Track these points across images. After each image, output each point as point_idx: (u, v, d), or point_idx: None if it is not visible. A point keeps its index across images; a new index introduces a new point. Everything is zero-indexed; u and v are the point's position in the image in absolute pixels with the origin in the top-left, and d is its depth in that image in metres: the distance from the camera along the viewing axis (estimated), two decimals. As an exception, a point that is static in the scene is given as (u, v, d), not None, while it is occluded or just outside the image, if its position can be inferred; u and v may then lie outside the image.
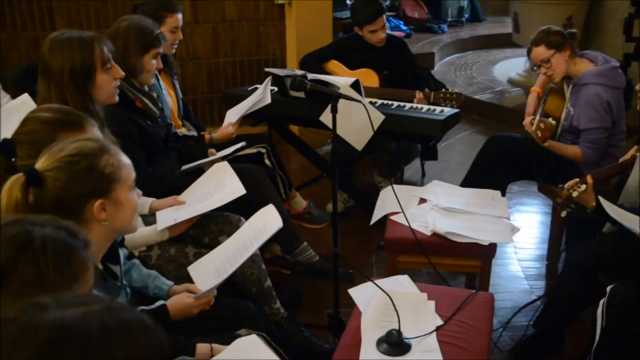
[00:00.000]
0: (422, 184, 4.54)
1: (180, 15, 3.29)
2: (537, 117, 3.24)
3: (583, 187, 2.59)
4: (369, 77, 4.13)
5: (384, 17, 4.06)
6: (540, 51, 3.26)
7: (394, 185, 3.03)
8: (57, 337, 0.85)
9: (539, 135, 3.09)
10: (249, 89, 4.13)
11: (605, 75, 3.21)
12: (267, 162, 3.41)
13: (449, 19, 9.18)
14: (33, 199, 1.46)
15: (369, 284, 2.32)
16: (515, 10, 6.64)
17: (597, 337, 2.27)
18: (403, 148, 4.16)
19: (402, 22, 8.56)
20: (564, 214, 2.66)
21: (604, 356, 2.23)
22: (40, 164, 1.49)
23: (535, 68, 3.41)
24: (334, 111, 2.58)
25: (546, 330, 2.78)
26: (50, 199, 1.47)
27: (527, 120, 3.29)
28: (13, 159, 1.75)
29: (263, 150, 3.41)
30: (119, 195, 1.58)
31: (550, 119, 3.15)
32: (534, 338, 2.82)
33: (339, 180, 4.23)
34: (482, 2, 9.93)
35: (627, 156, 2.94)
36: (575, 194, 2.58)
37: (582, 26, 6.40)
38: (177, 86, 3.46)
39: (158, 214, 2.50)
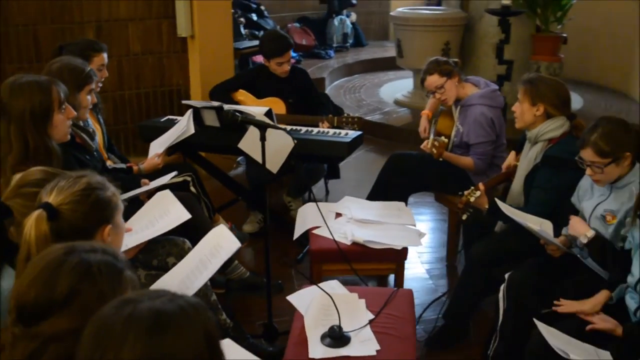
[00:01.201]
0: (327, 201, 4.90)
1: (105, 54, 3.49)
2: (431, 136, 3.67)
3: (477, 193, 3.03)
4: (276, 105, 4.45)
5: (290, 51, 4.41)
6: (434, 79, 3.72)
7: (313, 203, 3.37)
8: (158, 320, 1.10)
9: (434, 152, 3.53)
10: (162, 119, 4.35)
11: (488, 97, 3.72)
12: (192, 189, 3.64)
13: (334, 45, 9.71)
14: (51, 230, 1.65)
15: (303, 290, 2.65)
16: (399, 37, 7.21)
17: (500, 317, 2.71)
18: (311, 169, 4.50)
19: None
20: (464, 217, 3.09)
21: (508, 331, 2.67)
22: (53, 199, 1.70)
23: (429, 94, 3.86)
24: (263, 139, 2.89)
25: (454, 320, 3.20)
26: (67, 228, 1.67)
27: (424, 143, 3.70)
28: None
29: (189, 179, 3.64)
30: (118, 220, 1.81)
31: (442, 137, 3.61)
32: (444, 328, 3.23)
33: (253, 202, 4.57)
34: (364, 28, 10.55)
35: (509, 162, 3.45)
36: (472, 199, 3.02)
37: (457, 50, 7.08)
38: (102, 121, 3.64)
39: None
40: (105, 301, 1.31)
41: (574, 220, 2.70)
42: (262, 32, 7.99)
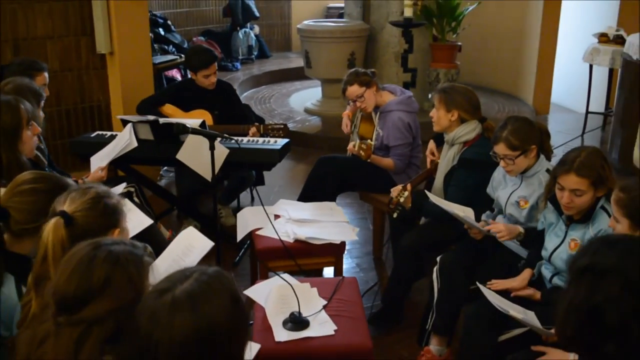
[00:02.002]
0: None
1: (46, 74, 3.59)
2: (357, 141, 4.00)
3: (406, 193, 3.39)
4: (204, 117, 4.64)
5: (215, 64, 4.63)
6: (354, 89, 4.06)
7: (251, 207, 3.63)
8: (193, 299, 1.34)
9: (362, 154, 3.86)
10: (92, 135, 4.47)
11: (405, 103, 4.10)
12: (135, 199, 3.80)
13: (240, 57, 9.95)
14: (67, 235, 1.83)
15: (257, 285, 2.93)
16: (306, 48, 7.55)
17: (435, 295, 3.06)
18: (241, 176, 4.73)
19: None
20: (395, 215, 3.43)
21: (443, 307, 3.02)
22: (67, 207, 1.87)
23: (350, 102, 4.20)
24: (212, 148, 3.12)
25: (391, 303, 3.54)
26: (81, 232, 1.84)
27: (350, 145, 4.03)
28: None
29: (132, 189, 3.79)
30: (124, 224, 2.00)
31: (368, 141, 3.95)
32: (382, 312, 3.56)
33: (186, 211, 4.75)
34: (267, 40, 10.85)
35: (431, 149, 3.85)
36: (402, 199, 3.37)
37: (362, 60, 7.51)
38: (42, 138, 3.72)
39: None
40: (134, 283, 1.54)
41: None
42: (171, 47, 8.15)
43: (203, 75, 4.58)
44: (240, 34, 10.03)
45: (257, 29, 10.48)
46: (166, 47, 8.04)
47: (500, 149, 2.97)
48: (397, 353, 3.35)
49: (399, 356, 3.30)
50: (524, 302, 2.70)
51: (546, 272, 2.78)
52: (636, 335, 1.41)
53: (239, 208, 4.97)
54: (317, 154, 6.29)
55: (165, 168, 5.95)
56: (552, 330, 2.41)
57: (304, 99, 8.43)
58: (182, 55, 7.53)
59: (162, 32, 8.35)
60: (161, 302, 1.34)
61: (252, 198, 5.48)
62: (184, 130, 3.29)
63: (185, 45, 8.63)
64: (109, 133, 4.50)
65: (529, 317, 2.49)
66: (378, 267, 4.34)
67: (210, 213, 4.95)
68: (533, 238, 2.91)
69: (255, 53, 10.37)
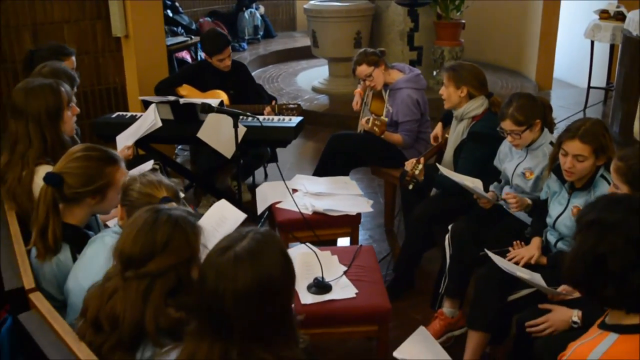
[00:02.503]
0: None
1: (74, 58, 3.77)
2: (371, 117, 4.18)
3: (420, 166, 3.57)
4: (220, 97, 4.84)
5: (229, 47, 4.80)
6: (363, 69, 4.25)
7: (270, 182, 3.84)
8: (252, 254, 1.53)
9: (376, 130, 4.05)
10: (113, 116, 4.66)
11: (413, 81, 4.28)
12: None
13: (246, 37, 10.09)
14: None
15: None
16: (313, 28, 7.69)
17: (447, 261, 3.27)
18: (257, 153, 4.92)
19: (205, 43, 9.28)
20: (411, 186, 3.62)
21: (454, 272, 3.23)
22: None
23: (361, 81, 4.38)
24: (236, 126, 3.31)
25: (403, 272, 3.75)
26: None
27: (362, 121, 4.23)
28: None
29: (157, 167, 3.98)
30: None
31: (381, 117, 4.14)
32: (395, 280, 3.77)
33: (205, 188, 4.95)
34: (272, 20, 10.98)
35: (436, 132, 4.05)
36: (417, 172, 3.56)
37: (368, 38, 7.66)
38: None
39: None
40: (189, 243, 1.75)
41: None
42: (180, 29, 8.30)
43: (218, 59, 4.75)
44: (246, 14, 10.16)
45: (262, 9, 10.61)
46: (175, 28, 8.18)
47: (507, 125, 3.15)
48: (411, 317, 3.56)
49: (413, 320, 3.51)
50: (530, 265, 2.90)
51: (551, 238, 2.98)
52: (633, 284, 1.61)
53: (254, 184, 5.17)
54: (326, 131, 6.50)
55: (180, 147, 6.14)
56: (558, 289, 2.62)
57: (311, 77, 8.59)
58: (192, 37, 7.70)
59: (170, 14, 8.48)
60: (225, 258, 1.54)
61: (266, 175, 5.68)
62: (210, 109, 3.47)
63: (194, 27, 8.78)
64: (129, 114, 4.69)
65: (536, 278, 2.69)
66: (390, 239, 4.55)
67: (227, 189, 5.18)
68: (539, 209, 3.11)
69: (261, 33, 10.51)
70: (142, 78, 5.67)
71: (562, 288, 2.63)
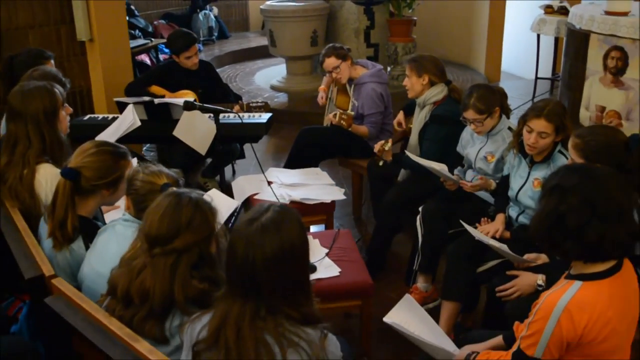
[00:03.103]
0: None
1: (53, 61, 3.89)
2: (338, 112, 4.42)
3: (389, 143, 3.83)
4: (189, 96, 5.00)
5: (196, 45, 4.97)
6: (331, 61, 4.49)
7: (246, 176, 4.04)
8: (276, 224, 1.74)
9: (344, 124, 4.30)
10: (85, 118, 4.78)
11: (377, 75, 4.54)
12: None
13: (201, 39, 10.21)
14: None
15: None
16: (270, 28, 7.89)
17: (420, 239, 3.53)
18: (227, 150, 5.10)
19: (162, 45, 9.37)
20: (381, 163, 3.87)
21: (427, 249, 3.50)
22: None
23: (327, 74, 4.62)
24: (218, 122, 3.50)
25: (375, 254, 4.00)
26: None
27: (330, 115, 4.46)
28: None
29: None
30: None
31: (348, 111, 4.38)
32: (368, 261, 3.98)
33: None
34: (225, 21, 11.12)
35: (399, 119, 4.33)
36: (387, 147, 3.80)
37: (324, 37, 7.89)
38: None
39: None
40: (209, 222, 1.96)
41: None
42: (137, 31, 8.39)
43: (185, 57, 4.91)
44: (200, 15, 10.28)
45: (215, 10, 10.74)
46: (132, 31, 8.26)
47: (469, 114, 3.43)
48: (387, 295, 3.80)
49: (388, 297, 3.75)
50: (496, 240, 3.18)
51: (512, 213, 3.27)
52: (588, 238, 1.89)
53: (222, 181, 5.34)
54: (287, 128, 6.71)
55: (147, 147, 6.26)
56: (524, 257, 2.90)
57: (268, 76, 8.78)
58: (152, 40, 7.81)
59: (127, 17, 8.54)
60: (252, 228, 1.75)
61: (234, 171, 5.86)
62: (192, 107, 3.65)
63: (150, 29, 8.87)
64: (100, 116, 4.82)
65: (504, 247, 2.97)
66: (359, 226, 4.80)
67: (198, 186, 5.34)
68: (501, 186, 3.40)
69: (216, 34, 10.64)
70: (108, 81, 5.78)
71: (527, 256, 2.91)
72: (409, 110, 4.32)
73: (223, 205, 2.96)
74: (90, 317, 1.97)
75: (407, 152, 3.78)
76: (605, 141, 2.65)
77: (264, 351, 1.69)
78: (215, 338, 1.72)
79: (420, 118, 4.00)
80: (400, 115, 4.39)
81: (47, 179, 2.76)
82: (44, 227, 2.52)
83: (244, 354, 1.68)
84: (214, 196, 3.11)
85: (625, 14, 5.20)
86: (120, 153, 2.51)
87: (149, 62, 8.08)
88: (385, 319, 2.57)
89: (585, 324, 1.89)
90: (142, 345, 1.80)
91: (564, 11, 6.76)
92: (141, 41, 7.48)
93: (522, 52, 8.36)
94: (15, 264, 2.72)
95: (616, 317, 1.91)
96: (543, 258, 2.91)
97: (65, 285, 2.13)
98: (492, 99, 3.44)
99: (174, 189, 2.10)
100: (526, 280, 2.79)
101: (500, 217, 3.30)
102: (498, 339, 2.40)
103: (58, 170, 2.81)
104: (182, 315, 1.91)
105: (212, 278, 1.96)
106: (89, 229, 2.44)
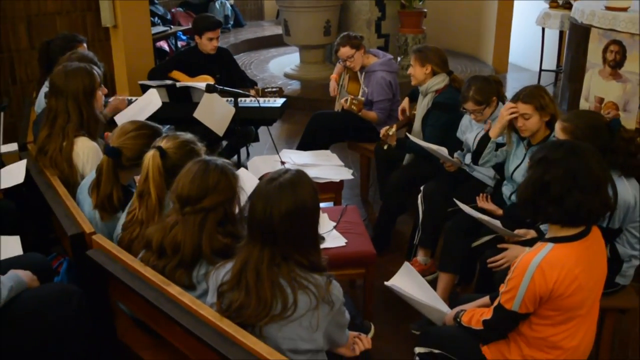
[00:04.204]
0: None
1: (85, 45, 4.20)
2: (349, 97, 4.71)
3: (394, 128, 4.12)
4: (208, 81, 5.28)
5: (220, 29, 5.26)
6: (346, 50, 4.76)
7: (261, 156, 4.32)
8: (292, 184, 2.03)
9: (355, 108, 4.59)
10: (110, 99, 5.08)
11: (387, 64, 4.82)
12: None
13: (218, 27, 10.47)
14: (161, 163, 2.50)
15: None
16: (285, 17, 8.17)
17: (420, 216, 3.82)
18: (244, 132, 5.38)
19: (180, 32, 9.67)
20: (385, 147, 4.16)
21: (427, 225, 3.79)
22: (164, 144, 2.53)
23: (340, 62, 4.90)
24: (237, 105, 3.79)
25: (382, 231, 4.29)
26: (169, 164, 2.51)
27: (342, 101, 4.75)
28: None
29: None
30: None
31: (359, 97, 4.67)
32: (374, 238, 4.28)
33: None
34: (241, 10, 11.39)
35: (403, 106, 4.59)
36: (391, 132, 4.09)
37: (337, 26, 8.16)
38: None
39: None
40: (232, 185, 2.25)
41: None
42: (156, 19, 8.68)
43: (208, 38, 5.18)
44: (217, 4, 10.56)
45: (231, -1, 11.02)
46: (152, 19, 8.54)
47: (469, 106, 3.71)
48: (389, 269, 4.05)
49: (390, 271, 4.02)
50: (490, 216, 3.46)
51: (506, 191, 3.55)
52: (568, 205, 2.18)
53: (238, 162, 5.64)
54: (299, 114, 7.00)
55: (167, 127, 6.56)
56: (515, 232, 3.17)
57: (282, 64, 9.06)
58: (171, 27, 8.11)
59: (146, 4, 8.85)
60: (272, 186, 2.04)
61: (248, 154, 6.14)
62: (214, 89, 3.94)
63: (169, 17, 9.16)
64: (121, 97, 5.12)
65: (496, 223, 3.24)
66: (366, 206, 5.09)
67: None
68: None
69: (231, 22, 10.92)
70: (130, 65, 6.10)
71: (518, 231, 3.18)
72: (414, 97, 4.60)
73: (248, 182, 3.26)
74: (127, 266, 2.27)
75: (410, 136, 4.06)
76: (592, 124, 2.91)
77: (278, 292, 1.99)
78: (237, 280, 2.02)
79: (423, 105, 4.27)
80: (405, 102, 4.66)
81: (84, 150, 3.07)
82: (85, 199, 2.82)
83: (262, 294, 1.99)
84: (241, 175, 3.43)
85: (624, 9, 5.43)
86: (157, 135, 2.76)
87: (167, 48, 8.38)
88: (387, 283, 2.85)
89: (555, 279, 2.17)
90: (174, 289, 2.11)
91: (568, 5, 7.00)
92: (161, 28, 7.78)
93: (528, 44, 8.60)
94: (49, 227, 3.06)
95: (583, 275, 2.20)
96: (532, 233, 3.17)
97: (104, 240, 2.43)
98: (489, 90, 3.71)
99: (204, 156, 2.40)
100: (515, 252, 3.05)
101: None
102: (485, 299, 2.69)
103: (94, 144, 3.13)
104: (208, 265, 2.22)
105: (234, 233, 2.26)
106: (126, 195, 2.74)
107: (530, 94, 3.29)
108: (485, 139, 3.52)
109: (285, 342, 2.02)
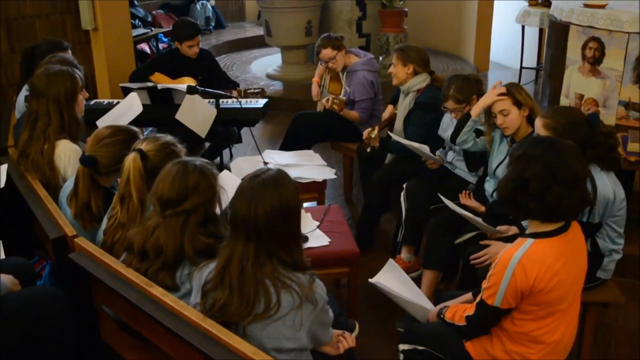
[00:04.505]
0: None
1: (70, 51, 4.17)
2: (330, 97, 4.72)
3: (375, 131, 4.14)
4: (189, 83, 5.28)
5: (199, 35, 5.25)
6: (328, 52, 4.77)
7: (244, 157, 4.33)
8: (275, 181, 2.03)
9: (336, 108, 4.60)
10: (91, 103, 5.06)
11: (368, 64, 4.83)
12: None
13: (199, 28, 10.45)
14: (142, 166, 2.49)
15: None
16: (266, 18, 8.16)
17: (404, 213, 3.84)
18: (226, 133, 5.38)
19: (161, 34, 9.63)
20: (369, 150, 4.17)
21: (409, 222, 3.81)
22: (144, 146, 2.52)
23: (322, 63, 4.91)
24: (219, 106, 3.79)
25: (364, 230, 4.31)
26: (150, 166, 2.50)
27: (323, 100, 4.76)
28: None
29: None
30: None
31: (340, 96, 4.68)
32: (357, 237, 4.29)
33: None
34: (222, 11, 11.38)
35: (389, 112, 4.60)
36: (373, 135, 4.11)
37: (318, 27, 8.17)
38: None
39: None
40: (212, 185, 2.25)
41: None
42: (137, 21, 8.64)
43: (187, 45, 5.19)
44: (198, 5, 10.54)
45: (213, 0, 10.99)
46: (133, 21, 8.50)
47: (449, 104, 3.73)
48: (372, 268, 4.06)
49: (373, 270, 4.03)
50: (473, 213, 3.48)
51: (488, 187, 3.58)
52: (548, 200, 2.20)
53: (221, 164, 5.63)
54: (282, 115, 7.00)
55: (149, 130, 6.54)
56: (497, 228, 3.20)
57: (264, 65, 9.06)
58: (152, 29, 8.08)
59: (126, 7, 8.80)
60: (255, 183, 2.05)
61: (231, 155, 6.13)
62: (195, 91, 3.94)
63: (149, 19, 9.12)
64: (106, 100, 5.11)
65: (478, 219, 3.27)
66: (349, 206, 5.11)
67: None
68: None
69: (213, 24, 10.90)
70: (111, 68, 6.07)
71: (500, 228, 3.21)
72: (396, 101, 4.61)
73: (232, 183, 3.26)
74: (110, 268, 2.27)
75: (392, 134, 4.08)
76: (572, 119, 2.93)
77: (262, 291, 2.00)
78: (221, 277, 2.03)
79: (404, 105, 4.29)
80: (389, 109, 4.67)
81: (65, 153, 3.06)
82: (63, 206, 2.80)
83: (245, 290, 1.99)
84: (224, 177, 3.43)
85: (602, 6, 5.48)
86: (132, 138, 2.73)
87: (148, 50, 8.35)
88: (371, 280, 2.86)
89: (536, 275, 2.20)
90: (156, 290, 2.11)
91: (547, 3, 7.06)
92: (141, 30, 7.75)
93: (509, 42, 8.66)
94: (31, 232, 3.04)
95: (563, 270, 2.23)
96: (514, 230, 3.20)
97: (87, 243, 2.43)
98: (469, 89, 3.73)
99: (183, 157, 2.40)
100: (497, 249, 3.06)
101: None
102: (468, 295, 2.72)
103: (75, 146, 3.12)
104: (191, 266, 2.22)
105: (215, 233, 2.26)
106: (109, 197, 2.73)
107: (506, 91, 3.32)
108: (465, 118, 3.54)
109: (270, 341, 2.02)
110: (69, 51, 4.19)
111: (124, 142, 2.71)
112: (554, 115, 2.96)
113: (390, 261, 3.01)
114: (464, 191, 3.66)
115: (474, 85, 3.77)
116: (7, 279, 2.46)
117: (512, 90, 3.32)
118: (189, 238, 2.21)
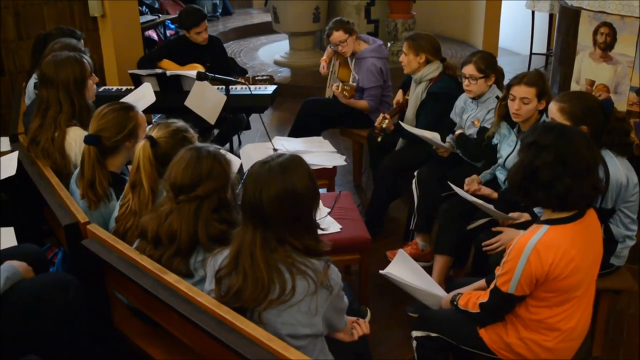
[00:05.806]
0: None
1: (82, 41, 4.16)
2: (341, 83, 4.69)
3: (386, 120, 4.11)
4: (198, 69, 5.26)
5: (206, 21, 5.22)
6: (339, 35, 4.73)
7: (253, 144, 4.31)
8: (284, 168, 2.02)
9: (346, 95, 4.57)
10: (100, 90, 5.04)
11: (377, 50, 4.80)
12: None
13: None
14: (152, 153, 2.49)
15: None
16: (274, 5, 8.11)
17: (416, 201, 3.82)
18: (235, 120, 5.36)
19: (169, 21, 9.59)
20: (379, 139, 4.15)
21: (422, 209, 3.79)
22: (155, 133, 2.52)
23: (332, 46, 4.87)
24: (228, 92, 3.77)
25: (374, 216, 4.29)
26: (160, 153, 2.50)
27: (333, 87, 4.73)
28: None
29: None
30: None
31: (350, 83, 4.65)
32: (367, 223, 4.28)
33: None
34: (229, -3, 11.32)
35: (398, 98, 4.57)
36: (384, 125, 4.09)
37: (326, 13, 8.12)
38: None
39: None
40: (225, 171, 2.23)
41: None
42: (144, 8, 8.61)
43: (195, 32, 5.16)
44: (205, -8, 10.47)
45: (220, -14, 10.93)
46: (140, 8, 8.46)
47: (468, 69, 3.70)
48: (383, 254, 4.10)
49: (385, 256, 4.05)
50: (485, 200, 3.46)
51: (500, 176, 3.56)
52: (557, 190, 2.17)
53: (230, 151, 5.62)
54: (290, 102, 6.97)
55: (158, 117, 6.53)
56: (509, 215, 3.18)
57: (271, 52, 9.02)
58: (160, 16, 8.04)
59: (133, -7, 8.75)
60: (263, 169, 2.04)
61: (240, 142, 6.12)
62: (205, 77, 3.92)
63: (156, 6, 9.08)
64: (114, 87, 5.10)
65: (489, 206, 3.25)
66: (359, 192, 5.09)
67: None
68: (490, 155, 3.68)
69: (220, 10, 10.84)
70: (119, 55, 6.04)
71: (512, 214, 3.19)
72: (406, 87, 4.58)
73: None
74: (123, 255, 2.26)
75: (402, 123, 4.06)
76: (588, 104, 2.90)
77: (276, 276, 1.99)
78: (234, 264, 2.02)
79: (416, 93, 4.25)
80: (399, 95, 4.64)
81: (76, 140, 3.05)
82: (75, 190, 2.80)
83: (258, 275, 1.98)
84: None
85: (614, -9, 5.43)
86: (128, 106, 2.77)
87: (156, 37, 8.32)
88: (382, 272, 2.85)
89: (551, 261, 2.18)
90: (170, 277, 2.10)
91: (558, -11, 6.98)
92: (149, 17, 7.71)
93: (518, 28, 8.59)
94: (42, 219, 3.04)
95: (579, 256, 2.21)
96: (526, 216, 3.18)
97: (99, 229, 2.42)
98: (493, 65, 3.74)
99: (196, 143, 2.39)
100: (509, 235, 3.06)
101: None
102: (481, 282, 2.70)
103: (86, 133, 3.10)
104: (205, 252, 2.21)
105: (229, 220, 2.25)
106: (119, 183, 2.73)
107: (534, 78, 3.29)
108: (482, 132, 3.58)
109: (285, 327, 2.02)
110: (82, 41, 4.17)
111: (120, 109, 2.73)
112: (570, 100, 2.92)
113: (401, 252, 2.99)
114: (466, 179, 3.61)
115: (498, 68, 3.77)
116: (20, 266, 2.46)
117: (540, 79, 3.29)
118: (203, 224, 2.21)
